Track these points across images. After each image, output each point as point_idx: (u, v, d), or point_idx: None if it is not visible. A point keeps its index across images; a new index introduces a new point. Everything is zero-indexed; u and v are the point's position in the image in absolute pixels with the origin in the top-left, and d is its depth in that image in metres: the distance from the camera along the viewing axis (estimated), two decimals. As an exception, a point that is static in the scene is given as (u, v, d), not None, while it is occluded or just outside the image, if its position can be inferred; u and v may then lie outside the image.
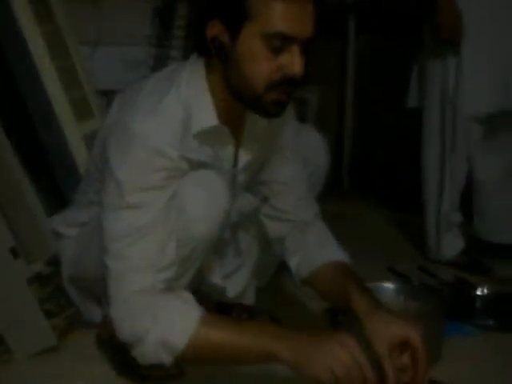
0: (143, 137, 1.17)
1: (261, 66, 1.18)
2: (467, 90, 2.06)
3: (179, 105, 1.23)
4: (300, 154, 1.53)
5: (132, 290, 1.16)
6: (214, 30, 1.20)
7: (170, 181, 1.20)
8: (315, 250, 1.44)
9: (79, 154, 1.75)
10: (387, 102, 3.30)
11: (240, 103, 1.26)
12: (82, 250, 1.46)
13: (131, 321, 1.15)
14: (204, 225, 1.24)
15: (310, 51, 1.21)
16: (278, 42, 1.16)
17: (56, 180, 1.75)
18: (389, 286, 1.63)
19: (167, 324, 1.14)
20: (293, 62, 1.17)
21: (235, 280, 1.63)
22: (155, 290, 1.17)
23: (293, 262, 1.47)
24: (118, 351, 1.48)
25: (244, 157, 1.38)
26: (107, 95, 2.50)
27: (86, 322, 1.62)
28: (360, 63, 3.41)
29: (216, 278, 1.54)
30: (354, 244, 1.60)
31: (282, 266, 1.75)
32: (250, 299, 1.69)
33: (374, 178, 3.39)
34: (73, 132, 1.75)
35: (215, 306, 1.67)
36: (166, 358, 1.15)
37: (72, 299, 1.60)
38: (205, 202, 1.23)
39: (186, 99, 1.23)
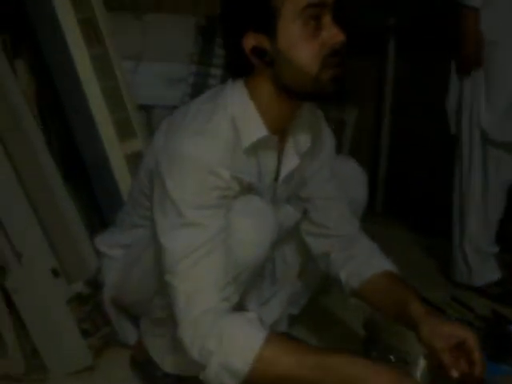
0: (195, 158, 1.19)
1: (308, 48, 1.19)
2: (493, 118, 2.04)
3: (227, 123, 1.24)
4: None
5: (200, 310, 1.16)
6: (251, 41, 1.21)
7: (223, 201, 1.21)
8: (364, 260, 1.45)
9: (121, 174, 1.77)
10: (425, 123, 3.28)
11: (299, 99, 1.27)
12: (126, 273, 1.47)
13: (199, 343, 1.15)
14: (250, 253, 1.24)
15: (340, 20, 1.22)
16: (312, 16, 1.18)
17: (97, 199, 1.77)
18: None
19: (231, 346, 1.13)
20: (333, 32, 1.19)
21: (270, 308, 1.63)
22: (221, 310, 1.17)
23: (342, 274, 1.47)
24: (151, 375, 1.50)
25: (285, 169, 1.38)
26: (147, 110, 2.54)
27: (121, 341, 1.63)
28: (398, 83, 3.39)
29: (253, 304, 1.55)
30: None
31: (317, 294, 1.76)
32: (283, 327, 1.69)
33: (409, 201, 3.37)
34: (115, 152, 1.77)
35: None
36: (230, 382, 1.14)
37: (109, 319, 1.62)
38: (252, 228, 1.23)
39: (233, 117, 1.25)
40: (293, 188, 1.46)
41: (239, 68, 1.27)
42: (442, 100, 3.19)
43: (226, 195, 1.22)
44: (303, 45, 1.19)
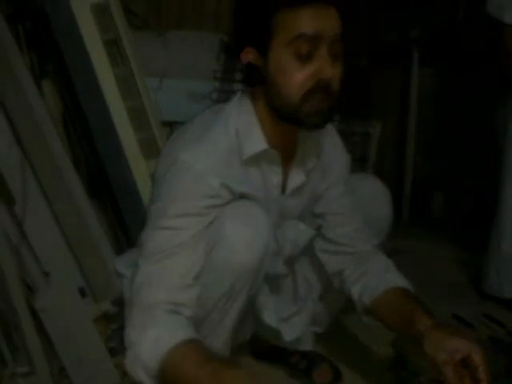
0: (188, 164, 1.23)
1: (292, 77, 1.20)
2: None
3: (226, 134, 1.27)
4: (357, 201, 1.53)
5: (142, 303, 1.20)
6: (248, 56, 1.24)
7: (210, 210, 1.23)
8: (377, 276, 1.43)
9: (146, 192, 1.78)
10: (450, 136, 3.26)
11: (283, 121, 1.28)
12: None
13: (127, 331, 1.20)
14: (242, 255, 1.24)
15: (342, 55, 1.22)
16: (304, 46, 1.18)
17: (123, 218, 1.78)
18: None
19: (146, 340, 1.15)
20: (323, 66, 1.19)
21: (293, 325, 1.61)
22: (160, 310, 1.19)
23: (354, 291, 1.45)
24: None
25: (292, 182, 1.39)
26: (171, 126, 2.56)
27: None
28: (423, 96, 3.38)
29: (271, 320, 1.53)
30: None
31: (343, 312, 1.74)
32: (307, 345, 1.67)
33: (435, 212, 3.34)
34: (140, 171, 1.78)
35: (273, 349, 1.67)
36: (143, 377, 1.15)
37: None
38: (243, 233, 1.24)
39: (236, 128, 1.27)
40: (305, 204, 1.46)
41: (245, 78, 1.32)
42: (465, 111, 3.20)
43: (214, 204, 1.23)
44: (289, 73, 1.20)
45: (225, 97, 2.64)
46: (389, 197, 1.63)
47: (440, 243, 2.95)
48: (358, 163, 2.89)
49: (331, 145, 1.47)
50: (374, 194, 1.60)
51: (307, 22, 1.17)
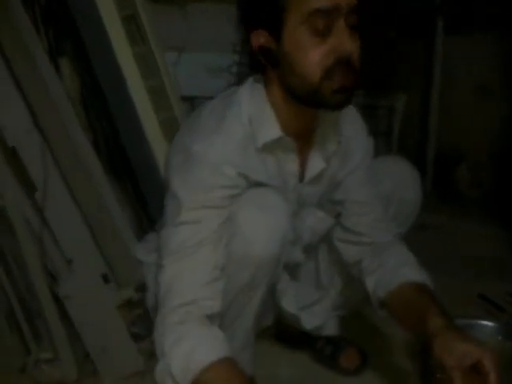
0: (202, 155, 1.18)
1: (310, 55, 1.13)
2: None
3: (241, 122, 1.22)
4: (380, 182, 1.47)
5: (172, 304, 1.17)
6: (259, 39, 1.17)
7: (227, 200, 1.19)
8: (394, 269, 1.37)
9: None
10: (475, 106, 3.19)
11: (302, 104, 1.21)
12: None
13: (159, 340, 1.17)
14: (261, 245, 1.20)
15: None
16: (320, 22, 1.11)
17: (145, 200, 1.75)
18: (486, 324, 1.54)
19: (180, 355, 1.12)
20: (341, 40, 1.12)
21: (313, 313, 1.58)
22: (192, 311, 1.16)
23: (369, 283, 1.40)
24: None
25: (311, 170, 1.34)
26: (191, 101, 2.52)
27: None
28: (447, 65, 3.29)
29: (291, 307, 1.51)
30: (435, 261, 1.50)
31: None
32: (332, 330, 1.64)
33: (460, 186, 3.28)
34: (161, 152, 1.74)
35: (297, 334, 1.65)
36: None
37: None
38: (261, 222, 1.19)
39: (249, 116, 1.22)
40: (324, 191, 1.41)
41: (254, 65, 1.23)
42: (491, 81, 3.12)
43: (231, 194, 1.20)
44: (307, 51, 1.13)
45: (245, 70, 2.58)
46: (418, 180, 1.56)
47: (466, 218, 2.90)
48: (383, 137, 2.84)
49: (352, 128, 1.40)
50: (403, 177, 1.53)
51: None
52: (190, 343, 1.13)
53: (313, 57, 1.13)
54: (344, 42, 1.12)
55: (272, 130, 1.23)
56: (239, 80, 2.55)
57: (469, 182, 3.29)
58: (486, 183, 3.23)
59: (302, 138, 1.29)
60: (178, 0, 2.45)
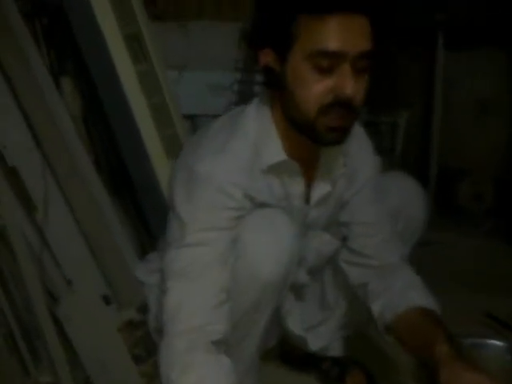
0: (207, 177, 1.16)
1: (309, 89, 1.11)
2: None
3: (246, 144, 1.20)
4: (387, 200, 1.45)
5: (178, 330, 1.14)
6: (266, 57, 1.16)
7: (233, 222, 1.17)
8: (400, 293, 1.34)
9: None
10: (477, 121, 3.19)
11: (299, 133, 1.20)
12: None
13: (165, 369, 1.14)
14: (268, 268, 1.18)
15: (371, 68, 1.13)
16: (325, 62, 1.09)
17: (147, 221, 1.73)
18: (497, 343, 1.51)
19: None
20: (343, 82, 1.10)
21: (319, 334, 1.56)
22: (198, 337, 1.13)
23: (375, 306, 1.37)
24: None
25: (317, 193, 1.32)
26: (192, 120, 2.51)
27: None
28: (448, 81, 3.29)
29: (297, 328, 1.49)
30: (439, 278, 1.47)
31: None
32: (338, 351, 1.61)
33: (461, 201, 3.27)
34: (163, 170, 1.73)
35: (304, 357, 1.63)
36: None
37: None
38: (268, 244, 1.17)
39: (255, 137, 1.21)
40: (330, 213, 1.39)
41: (264, 80, 1.22)
42: (493, 97, 3.12)
43: (237, 216, 1.17)
44: (306, 85, 1.12)
45: (246, 88, 2.58)
46: (423, 197, 1.55)
47: (468, 233, 2.88)
48: (386, 154, 2.83)
49: (358, 147, 1.38)
50: (409, 194, 1.52)
51: (330, 36, 1.08)
52: (197, 373, 1.11)
53: (311, 92, 1.11)
54: (345, 85, 1.10)
55: (276, 152, 1.22)
56: (240, 98, 2.57)
57: (471, 197, 3.27)
58: (489, 199, 3.21)
59: (307, 160, 1.28)
60: (179, 18, 2.45)
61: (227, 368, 1.14)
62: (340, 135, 1.16)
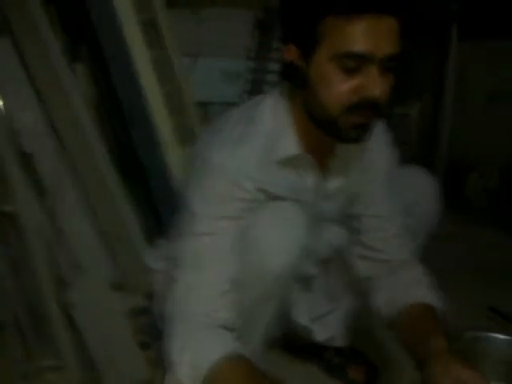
0: (222, 168, 1.17)
1: (335, 89, 1.10)
2: None
3: (262, 136, 1.20)
4: (400, 195, 1.44)
5: (181, 316, 1.17)
6: (290, 54, 1.15)
7: (244, 213, 1.18)
8: (404, 289, 1.35)
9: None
10: (488, 114, 3.18)
11: (320, 130, 1.19)
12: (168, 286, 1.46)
13: (169, 348, 1.16)
14: (277, 259, 1.18)
15: (397, 69, 1.11)
16: (351, 63, 1.07)
17: (157, 208, 1.74)
18: (500, 337, 1.51)
19: (188, 364, 1.11)
20: (370, 83, 1.08)
21: (325, 324, 1.57)
22: (201, 322, 1.15)
23: (378, 300, 1.38)
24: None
25: (331, 186, 1.32)
26: (205, 107, 2.51)
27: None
28: (461, 73, 3.27)
29: (303, 319, 1.50)
30: (446, 271, 1.47)
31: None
32: (341, 341, 1.63)
33: (470, 194, 3.27)
34: (176, 158, 1.73)
35: (307, 346, 1.64)
36: None
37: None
38: (278, 236, 1.18)
39: (270, 129, 1.21)
40: (343, 206, 1.39)
41: (285, 74, 1.22)
42: (504, 90, 3.10)
43: (248, 207, 1.18)
44: (332, 85, 1.10)
45: (260, 76, 2.58)
46: (437, 191, 1.55)
47: (477, 226, 2.89)
48: (400, 146, 2.83)
49: (375, 141, 1.38)
50: (424, 188, 1.52)
51: (358, 38, 1.06)
52: (194, 350, 1.13)
53: (337, 92, 1.10)
54: (373, 86, 1.08)
55: (290, 146, 1.22)
56: (253, 86, 2.57)
57: (480, 190, 3.27)
58: (498, 192, 3.21)
59: (322, 153, 1.28)
60: (192, 5, 2.44)
61: (226, 336, 1.16)
62: (362, 132, 1.16)
